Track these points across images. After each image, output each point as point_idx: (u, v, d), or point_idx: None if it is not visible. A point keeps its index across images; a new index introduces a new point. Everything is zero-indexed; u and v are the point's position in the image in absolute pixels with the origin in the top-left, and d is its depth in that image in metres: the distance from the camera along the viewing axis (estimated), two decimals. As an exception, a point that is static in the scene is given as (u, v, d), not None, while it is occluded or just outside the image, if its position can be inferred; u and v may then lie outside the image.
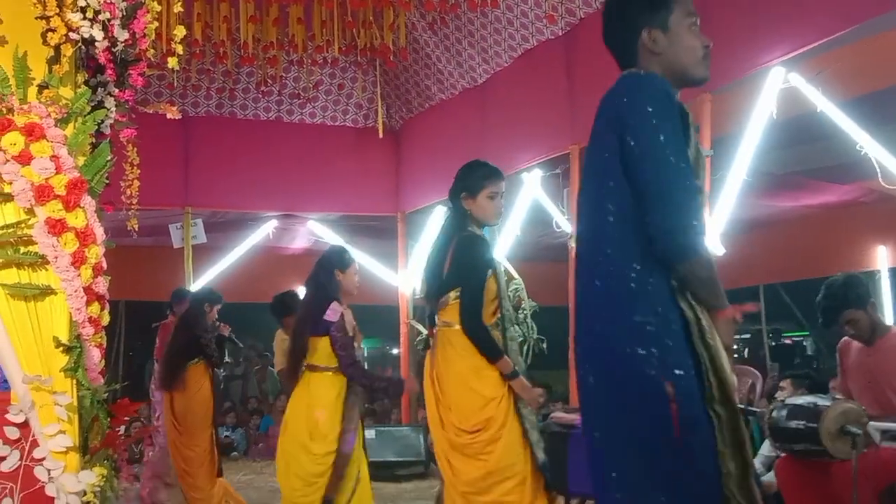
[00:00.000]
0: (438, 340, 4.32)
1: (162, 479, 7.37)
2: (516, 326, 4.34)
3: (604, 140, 2.50)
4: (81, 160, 3.01)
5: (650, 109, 2.40)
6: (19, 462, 2.84)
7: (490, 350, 4.13)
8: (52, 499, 2.83)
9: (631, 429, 2.43)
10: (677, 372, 2.38)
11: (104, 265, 3.04)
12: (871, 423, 4.16)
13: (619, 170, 2.43)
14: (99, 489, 2.91)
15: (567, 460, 5.10)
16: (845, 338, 4.83)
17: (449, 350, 4.23)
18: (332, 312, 5.03)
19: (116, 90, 3.21)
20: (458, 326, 4.21)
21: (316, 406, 5.05)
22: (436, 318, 4.37)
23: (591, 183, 2.58)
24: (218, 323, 6.92)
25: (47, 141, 2.89)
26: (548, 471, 4.13)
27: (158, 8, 3.17)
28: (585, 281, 2.60)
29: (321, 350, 5.06)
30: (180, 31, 3.20)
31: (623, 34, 2.59)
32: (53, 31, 2.91)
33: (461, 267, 4.21)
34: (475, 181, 4.32)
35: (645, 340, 2.39)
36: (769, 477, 4.70)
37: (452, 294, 4.23)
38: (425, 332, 5.77)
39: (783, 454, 4.65)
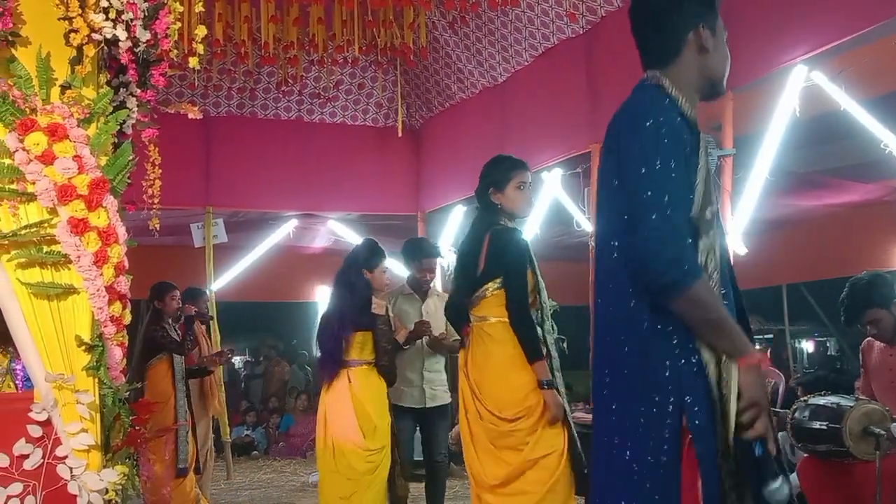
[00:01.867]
0: (475, 336, 4.28)
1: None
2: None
3: (609, 156, 2.46)
4: (104, 160, 3.02)
5: (648, 135, 2.33)
6: (42, 460, 2.86)
7: (532, 348, 4.11)
8: (75, 497, 2.85)
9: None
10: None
11: (126, 264, 3.06)
12: (895, 424, 4.13)
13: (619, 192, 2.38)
14: (121, 487, 2.92)
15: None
16: (868, 338, 4.80)
17: (488, 343, 4.20)
18: (378, 306, 5.11)
19: (138, 90, 3.22)
20: (494, 319, 4.19)
21: (364, 400, 5.08)
22: (470, 314, 4.33)
23: (604, 204, 2.52)
24: (178, 308, 6.88)
25: (70, 141, 2.91)
26: (584, 465, 4.10)
27: (180, 8, 3.18)
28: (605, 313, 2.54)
29: (362, 345, 5.10)
30: (201, 31, 3.21)
31: (673, 28, 2.48)
32: (76, 31, 2.92)
33: (500, 259, 4.18)
34: (501, 174, 4.32)
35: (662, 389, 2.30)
36: (792, 478, 4.66)
37: (491, 287, 4.20)
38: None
39: (806, 455, 4.63)
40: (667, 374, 2.28)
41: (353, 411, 5.05)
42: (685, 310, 2.26)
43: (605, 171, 2.49)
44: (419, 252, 6.17)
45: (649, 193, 2.26)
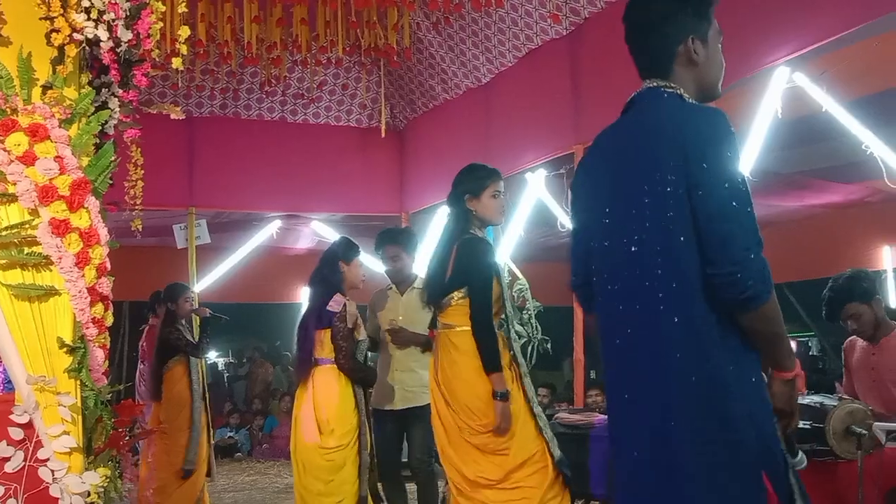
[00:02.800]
0: (440, 343, 4.34)
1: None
2: (521, 326, 4.37)
3: (657, 164, 2.37)
4: (85, 161, 3.00)
5: (726, 139, 2.32)
6: (23, 463, 2.84)
7: (491, 359, 4.16)
8: (57, 499, 2.83)
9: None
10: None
11: (108, 266, 3.04)
12: (877, 423, 4.15)
13: (682, 201, 2.31)
14: (103, 490, 2.90)
15: (588, 461, 5.07)
16: (850, 337, 4.82)
17: (453, 352, 4.26)
18: (335, 303, 5.06)
19: (120, 91, 3.20)
20: (460, 328, 4.24)
21: (321, 399, 5.04)
22: (437, 321, 4.39)
23: (630, 206, 2.43)
24: (193, 309, 6.88)
25: (51, 141, 2.89)
26: (566, 467, 4.14)
27: (163, 8, 3.17)
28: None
29: (326, 343, 5.07)
30: (184, 32, 3.20)
31: (664, 40, 2.50)
32: (58, 31, 2.90)
33: (466, 270, 4.24)
34: (478, 181, 4.36)
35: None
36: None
37: (456, 295, 4.25)
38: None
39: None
40: (741, 392, 2.29)
41: (313, 410, 5.04)
42: (759, 322, 2.28)
43: (637, 169, 2.42)
44: (378, 240, 5.99)
45: (735, 205, 2.26)
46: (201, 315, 6.91)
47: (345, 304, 5.07)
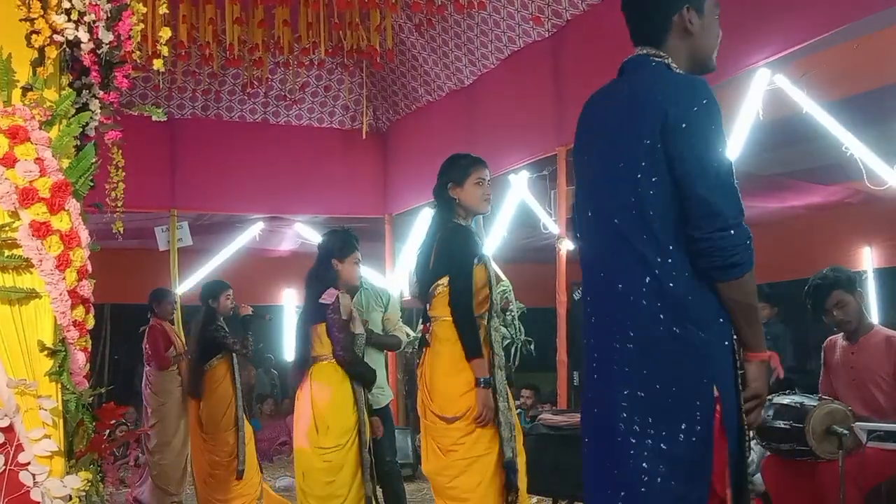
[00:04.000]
0: (432, 335, 4.29)
1: (158, 485, 7.37)
2: (504, 329, 4.33)
3: (637, 134, 2.40)
4: (66, 163, 2.99)
5: (706, 107, 2.38)
6: (4, 467, 2.82)
7: (471, 345, 4.10)
8: (38, 503, 2.81)
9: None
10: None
11: (89, 268, 3.02)
12: (858, 423, 4.18)
13: (659, 165, 2.35)
14: (84, 494, 2.89)
15: (571, 462, 5.08)
16: (830, 337, 4.85)
17: (436, 344, 4.22)
18: (328, 296, 4.95)
19: (101, 92, 3.18)
20: (443, 318, 4.19)
21: (317, 397, 4.94)
22: (427, 315, 4.35)
23: (610, 181, 2.47)
24: (233, 307, 6.88)
25: (31, 143, 2.88)
26: (513, 471, 4.09)
27: (144, 10, 3.15)
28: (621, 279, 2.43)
29: (322, 339, 4.98)
30: (165, 33, 3.18)
31: (660, 8, 2.53)
32: (38, 33, 2.89)
33: (446, 257, 4.20)
34: (461, 169, 4.33)
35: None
36: (756, 477, 4.71)
37: (440, 285, 4.21)
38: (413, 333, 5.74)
39: (769, 454, 4.67)
40: (703, 345, 2.32)
41: (310, 408, 4.96)
42: (738, 292, 2.30)
43: (619, 134, 2.46)
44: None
45: (720, 174, 2.32)
46: (243, 313, 6.89)
47: (338, 297, 4.96)
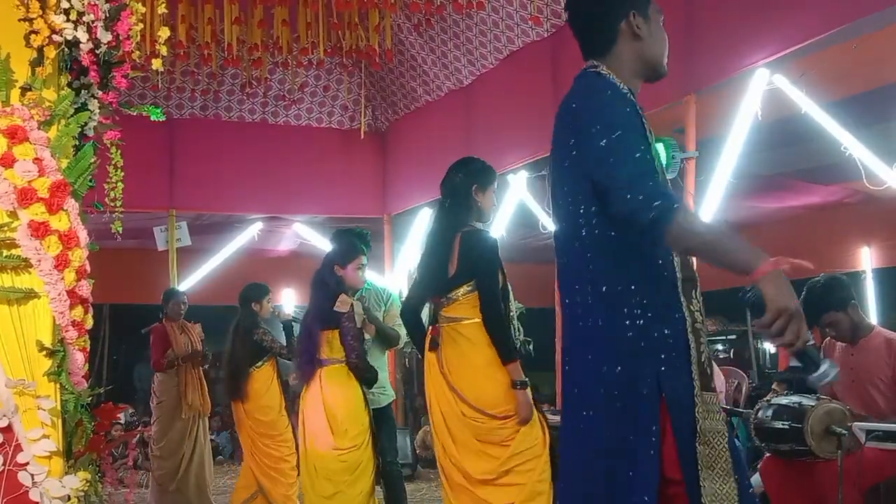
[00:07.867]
0: (446, 337, 4.26)
1: (164, 486, 7.38)
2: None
3: (564, 143, 2.51)
4: (65, 163, 2.99)
5: (604, 106, 2.43)
6: (2, 467, 2.82)
7: (507, 349, 4.15)
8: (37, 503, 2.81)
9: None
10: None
11: (88, 268, 3.02)
12: (856, 423, 4.19)
13: (580, 172, 2.43)
14: (83, 494, 2.89)
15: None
16: (829, 338, 4.85)
17: (462, 344, 4.20)
18: (342, 304, 5.08)
19: (100, 92, 3.18)
20: (469, 321, 4.19)
21: (331, 400, 5.05)
22: (438, 315, 4.32)
23: (561, 189, 2.56)
24: (274, 311, 6.91)
25: (30, 143, 2.87)
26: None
27: (142, 9, 3.15)
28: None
29: (333, 343, 5.08)
30: (164, 33, 3.18)
31: (607, 16, 2.57)
32: (37, 33, 2.89)
33: (474, 261, 4.20)
34: (487, 175, 4.39)
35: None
36: (755, 478, 4.71)
37: (464, 289, 4.20)
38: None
39: (769, 454, 4.67)
40: (637, 340, 2.35)
41: (324, 411, 5.04)
42: (677, 243, 2.29)
43: (561, 161, 2.55)
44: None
45: (615, 156, 2.33)
46: (284, 318, 6.93)
47: (352, 305, 5.09)
